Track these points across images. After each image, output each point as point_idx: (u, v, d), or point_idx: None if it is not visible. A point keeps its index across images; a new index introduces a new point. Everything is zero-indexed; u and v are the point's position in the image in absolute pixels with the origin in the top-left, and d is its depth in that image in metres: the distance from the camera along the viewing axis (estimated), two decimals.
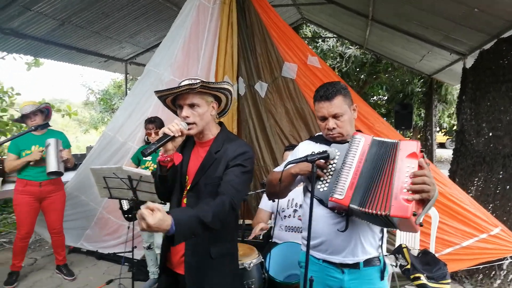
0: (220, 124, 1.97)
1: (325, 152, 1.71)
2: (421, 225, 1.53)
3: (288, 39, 4.28)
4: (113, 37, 6.76)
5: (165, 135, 1.68)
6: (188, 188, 1.84)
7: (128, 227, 3.40)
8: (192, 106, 1.78)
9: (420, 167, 1.55)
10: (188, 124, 1.76)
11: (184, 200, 1.85)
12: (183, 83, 1.77)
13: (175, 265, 1.88)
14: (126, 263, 4.07)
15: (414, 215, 1.46)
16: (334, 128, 1.84)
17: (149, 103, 4.26)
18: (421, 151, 1.59)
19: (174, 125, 1.70)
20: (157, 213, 1.36)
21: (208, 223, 1.54)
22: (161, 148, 1.69)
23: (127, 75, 8.92)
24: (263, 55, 4.41)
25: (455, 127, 8.34)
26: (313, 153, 1.72)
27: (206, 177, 1.80)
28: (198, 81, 1.75)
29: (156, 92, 1.82)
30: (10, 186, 4.03)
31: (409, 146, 1.62)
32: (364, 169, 1.66)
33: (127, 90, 9.06)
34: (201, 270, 1.77)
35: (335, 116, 1.84)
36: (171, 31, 4.43)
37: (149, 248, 3.77)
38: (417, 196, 1.48)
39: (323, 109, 1.85)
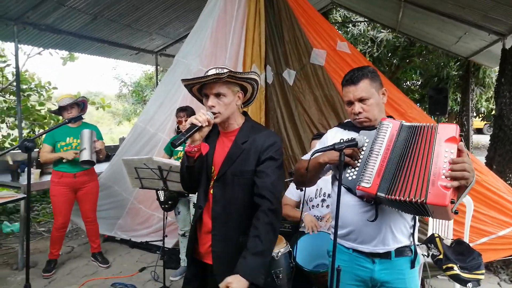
0: (244, 114, 1.97)
1: (353, 140, 1.67)
2: (456, 212, 1.46)
3: (317, 25, 4.18)
4: (143, 30, 6.85)
5: (192, 125, 1.68)
6: (214, 178, 1.85)
7: (166, 217, 3.48)
8: (218, 95, 1.77)
9: (460, 152, 1.48)
10: (214, 113, 1.76)
11: (211, 191, 1.86)
12: (210, 72, 1.77)
13: (203, 255, 1.91)
14: (157, 252, 4.17)
15: (452, 202, 1.40)
16: (360, 113, 1.80)
17: (178, 94, 4.31)
18: (460, 136, 1.51)
19: (201, 115, 1.70)
20: (232, 285, 1.56)
21: (266, 248, 1.69)
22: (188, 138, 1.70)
23: (158, 67, 9.03)
24: (291, 42, 4.32)
25: (493, 112, 7.97)
26: (341, 141, 1.69)
27: (234, 168, 1.80)
28: (225, 70, 1.74)
29: (183, 80, 1.83)
30: (49, 178, 4.19)
31: (447, 130, 1.53)
32: (393, 156, 1.61)
33: (158, 81, 9.20)
34: (229, 260, 1.77)
35: (361, 100, 1.80)
36: (199, 21, 4.45)
37: (183, 235, 3.86)
38: (455, 183, 1.42)
39: (349, 93, 1.82)
